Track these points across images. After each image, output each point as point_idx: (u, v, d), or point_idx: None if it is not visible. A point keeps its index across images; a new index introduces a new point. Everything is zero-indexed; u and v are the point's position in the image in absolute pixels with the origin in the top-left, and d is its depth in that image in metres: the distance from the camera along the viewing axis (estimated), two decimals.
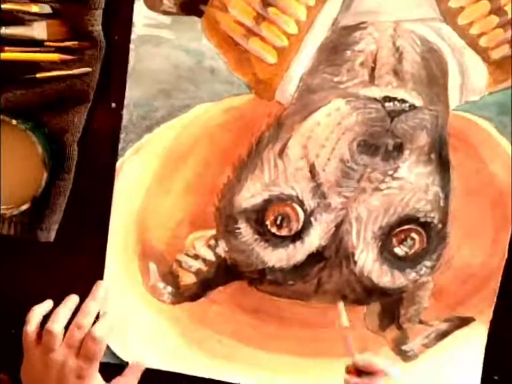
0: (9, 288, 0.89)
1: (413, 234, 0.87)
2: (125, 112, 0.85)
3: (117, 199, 0.87)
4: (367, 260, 0.87)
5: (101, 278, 0.88)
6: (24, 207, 0.84)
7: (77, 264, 0.88)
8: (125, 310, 0.88)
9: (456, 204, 0.87)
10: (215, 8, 0.84)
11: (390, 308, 0.90)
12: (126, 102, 0.84)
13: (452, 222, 0.87)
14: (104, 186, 0.87)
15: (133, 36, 0.83)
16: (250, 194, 0.86)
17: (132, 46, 0.84)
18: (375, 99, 0.84)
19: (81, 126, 0.85)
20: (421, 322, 0.90)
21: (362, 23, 0.84)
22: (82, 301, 0.85)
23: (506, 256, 0.88)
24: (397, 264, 0.88)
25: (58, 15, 0.82)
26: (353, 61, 0.84)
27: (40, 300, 0.85)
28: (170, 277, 0.88)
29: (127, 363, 0.89)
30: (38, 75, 0.83)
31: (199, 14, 0.84)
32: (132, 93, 0.84)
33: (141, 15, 0.83)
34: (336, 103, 0.85)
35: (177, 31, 0.84)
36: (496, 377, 0.91)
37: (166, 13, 0.83)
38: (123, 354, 0.89)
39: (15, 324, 0.85)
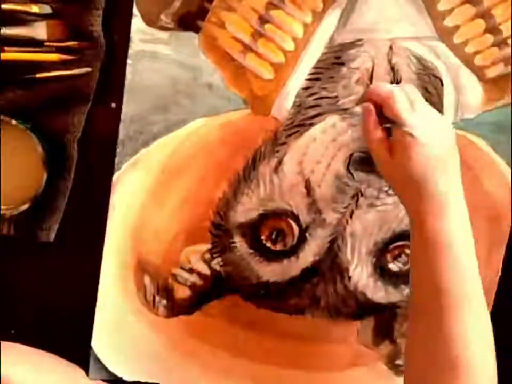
0: (9, 288, 0.89)
1: (407, 250, 0.87)
2: (121, 127, 0.85)
3: (112, 214, 0.86)
4: (362, 276, 0.87)
5: None
6: (24, 207, 0.84)
7: (77, 264, 0.88)
8: (119, 324, 0.88)
9: None
10: (212, 24, 0.84)
11: (384, 323, 0.90)
12: (122, 116, 0.85)
13: None
14: (104, 186, 0.86)
15: (130, 51, 0.84)
16: (245, 209, 0.87)
17: (129, 61, 0.84)
18: None
19: (81, 126, 0.85)
20: None
21: (359, 40, 0.84)
22: (81, 300, 0.86)
23: (500, 273, 0.88)
24: (391, 280, 0.88)
25: (58, 15, 0.82)
26: (349, 78, 0.85)
27: (40, 300, 0.85)
28: (165, 291, 0.88)
29: (121, 379, 0.89)
30: (38, 75, 0.83)
31: (197, 30, 0.84)
32: (129, 107, 0.85)
33: (138, 31, 0.83)
34: (332, 119, 0.85)
35: (174, 47, 0.84)
36: None
37: (163, 28, 0.84)
38: (117, 368, 0.89)
39: (15, 324, 0.85)
